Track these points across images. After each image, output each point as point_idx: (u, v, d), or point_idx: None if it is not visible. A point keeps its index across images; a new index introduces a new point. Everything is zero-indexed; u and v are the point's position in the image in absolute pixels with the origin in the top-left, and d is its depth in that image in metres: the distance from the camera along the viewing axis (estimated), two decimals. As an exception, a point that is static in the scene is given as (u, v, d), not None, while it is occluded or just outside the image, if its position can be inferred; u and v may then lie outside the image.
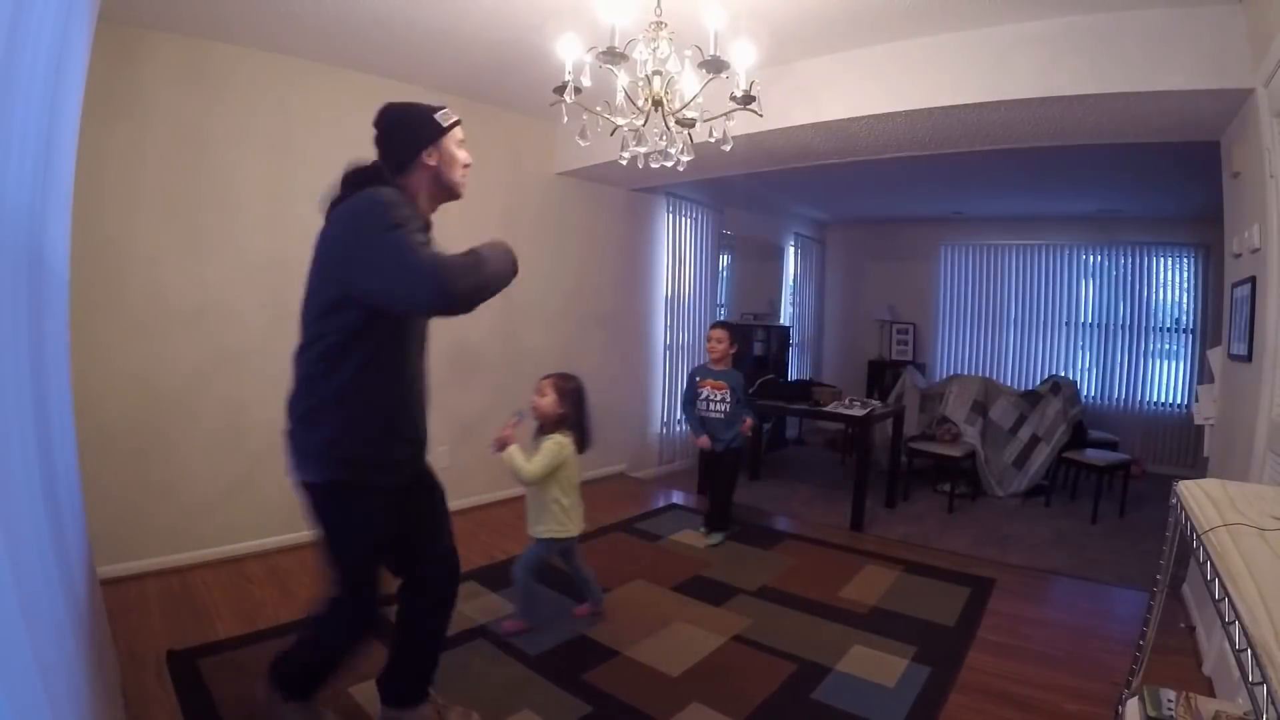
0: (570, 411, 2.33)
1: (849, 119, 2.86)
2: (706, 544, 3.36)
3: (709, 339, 3.54)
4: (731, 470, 3.51)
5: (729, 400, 3.40)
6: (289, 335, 3.06)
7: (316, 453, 1.52)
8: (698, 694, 2.00)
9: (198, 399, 2.84)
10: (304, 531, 3.12)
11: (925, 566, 3.10)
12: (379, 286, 1.36)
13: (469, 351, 3.83)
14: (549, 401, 2.32)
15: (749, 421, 3.44)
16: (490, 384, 3.93)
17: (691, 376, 3.59)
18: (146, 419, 2.71)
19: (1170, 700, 1.48)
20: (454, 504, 4.02)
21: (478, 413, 3.89)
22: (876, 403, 4.31)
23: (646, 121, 1.98)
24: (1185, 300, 5.67)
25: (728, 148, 2.03)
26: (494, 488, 4.00)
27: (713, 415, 3.43)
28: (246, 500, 2.98)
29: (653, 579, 2.89)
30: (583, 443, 2.36)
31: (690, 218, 5.52)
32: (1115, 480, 4.35)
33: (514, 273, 1.49)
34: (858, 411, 3.91)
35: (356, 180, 1.57)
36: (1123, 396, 5.86)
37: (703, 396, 3.46)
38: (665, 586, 2.82)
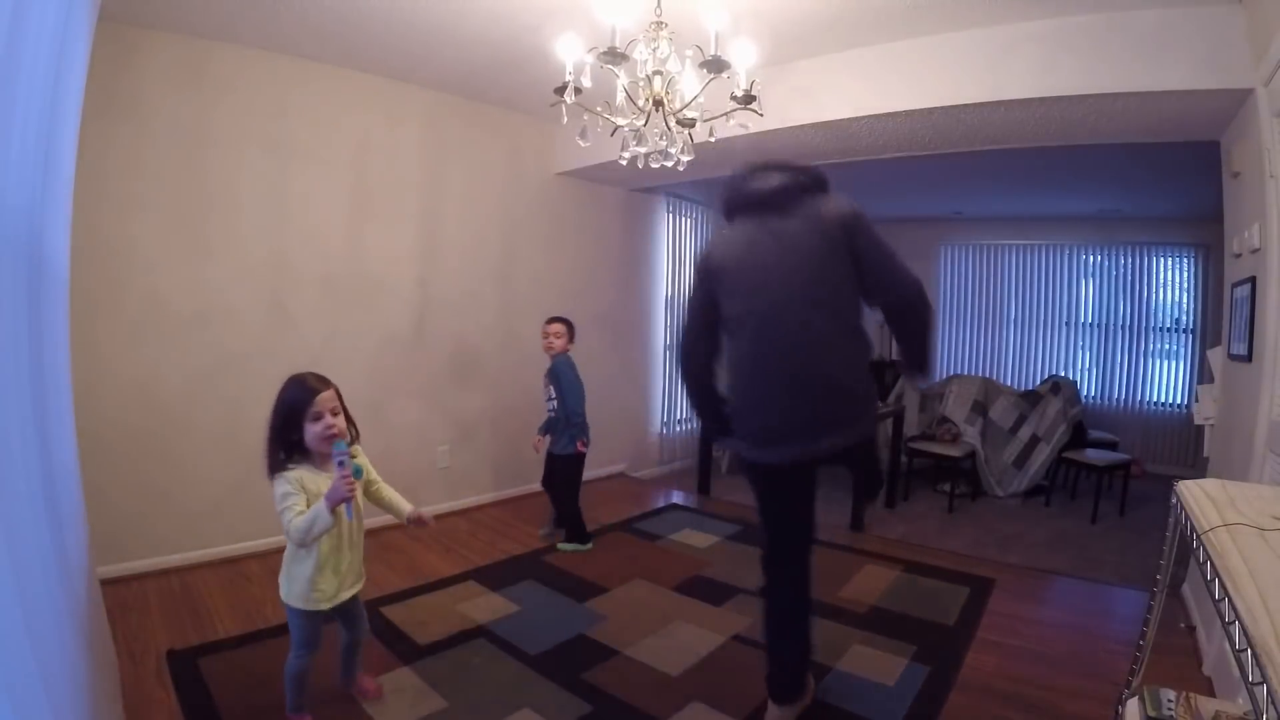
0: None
1: (849, 119, 2.86)
2: (550, 542, 3.26)
3: (543, 334, 3.22)
4: (559, 478, 3.23)
5: (554, 398, 3.14)
6: (288, 336, 3.10)
7: (869, 414, 1.76)
8: (698, 693, 2.00)
9: (197, 399, 2.84)
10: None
11: (925, 566, 3.09)
12: (888, 267, 1.68)
13: (468, 352, 3.83)
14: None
15: (579, 445, 3.13)
16: (489, 384, 3.94)
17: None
18: (146, 419, 2.71)
19: (1170, 700, 1.48)
20: (454, 504, 4.03)
21: (477, 412, 3.89)
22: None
23: (647, 121, 1.98)
24: (1185, 300, 5.66)
25: (714, 138, 2.05)
26: (494, 488, 4.00)
27: (548, 413, 3.23)
28: (246, 500, 2.98)
29: (653, 578, 2.88)
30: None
31: (690, 218, 5.52)
32: (1115, 480, 4.35)
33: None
34: (858, 411, 3.91)
35: (805, 177, 1.76)
36: (1123, 396, 5.86)
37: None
38: (666, 586, 2.81)
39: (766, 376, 1.67)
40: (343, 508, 1.57)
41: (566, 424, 3.13)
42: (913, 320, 1.73)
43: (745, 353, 1.70)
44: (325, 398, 1.62)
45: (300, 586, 1.66)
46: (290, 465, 1.60)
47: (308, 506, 1.55)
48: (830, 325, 1.64)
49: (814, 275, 1.64)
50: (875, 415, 1.82)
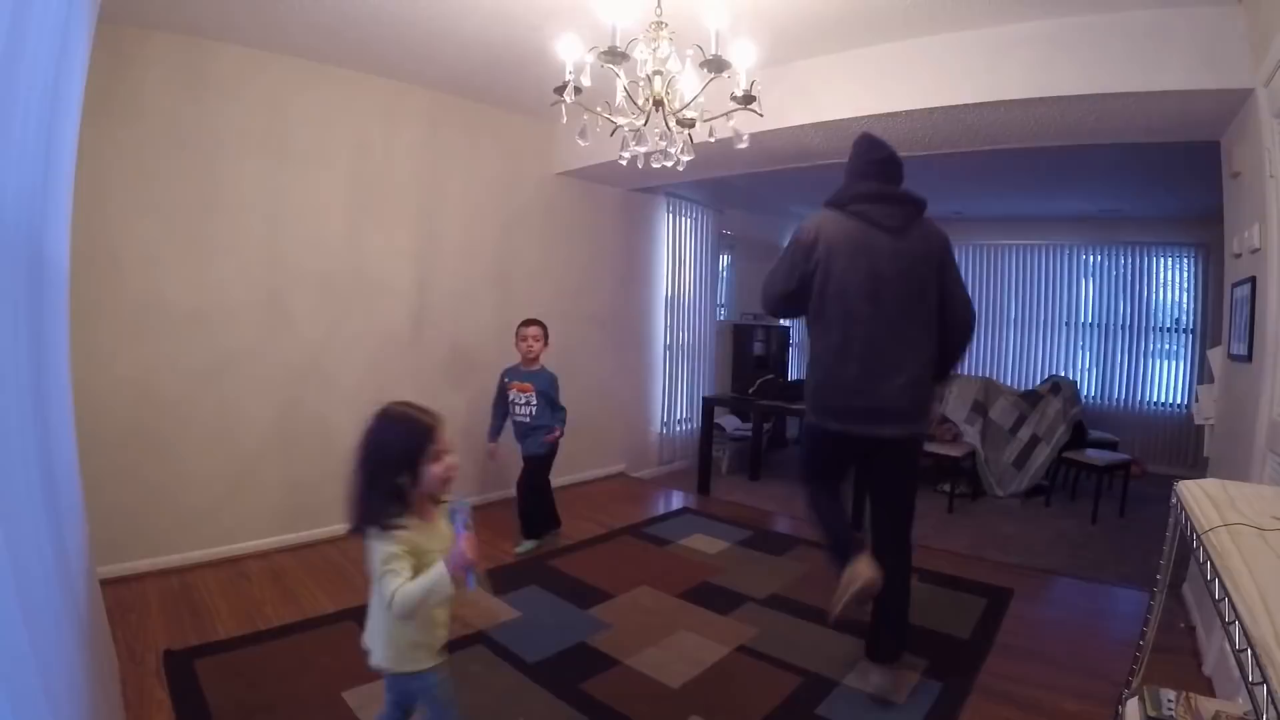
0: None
1: (848, 119, 2.86)
2: (517, 552, 3.21)
3: (523, 338, 3.22)
4: (531, 475, 3.28)
5: (534, 404, 3.20)
6: (287, 336, 3.10)
7: (927, 416, 2.09)
8: (697, 707, 1.96)
9: (196, 399, 2.84)
10: (303, 531, 3.15)
11: (942, 576, 3.01)
12: (960, 294, 2.07)
13: (465, 352, 3.83)
14: None
15: (556, 432, 3.22)
16: (488, 385, 3.91)
17: (501, 377, 3.32)
18: (145, 419, 2.71)
19: (1170, 700, 1.48)
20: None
21: (475, 413, 3.88)
22: (876, 403, 4.30)
23: (647, 121, 1.97)
24: (1185, 300, 5.66)
25: (743, 144, 2.02)
26: (490, 488, 4.00)
27: (519, 419, 3.25)
28: (246, 500, 2.99)
29: (660, 585, 2.84)
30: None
31: (690, 218, 5.52)
32: (1115, 480, 4.34)
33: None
34: (858, 411, 3.91)
35: (917, 203, 2.07)
36: (1123, 396, 5.86)
37: (510, 399, 3.26)
38: (672, 593, 2.77)
39: (861, 367, 1.96)
40: (463, 575, 1.26)
41: (538, 429, 3.22)
42: (961, 336, 2.09)
43: (844, 342, 1.98)
44: (444, 431, 1.33)
45: (408, 647, 1.35)
46: (399, 519, 1.27)
47: (413, 570, 1.26)
48: (919, 337, 1.99)
49: (916, 295, 1.98)
50: (930, 418, 2.20)
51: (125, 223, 2.62)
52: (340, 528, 3.24)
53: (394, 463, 1.28)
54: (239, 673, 2.01)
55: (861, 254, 1.96)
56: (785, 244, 2.15)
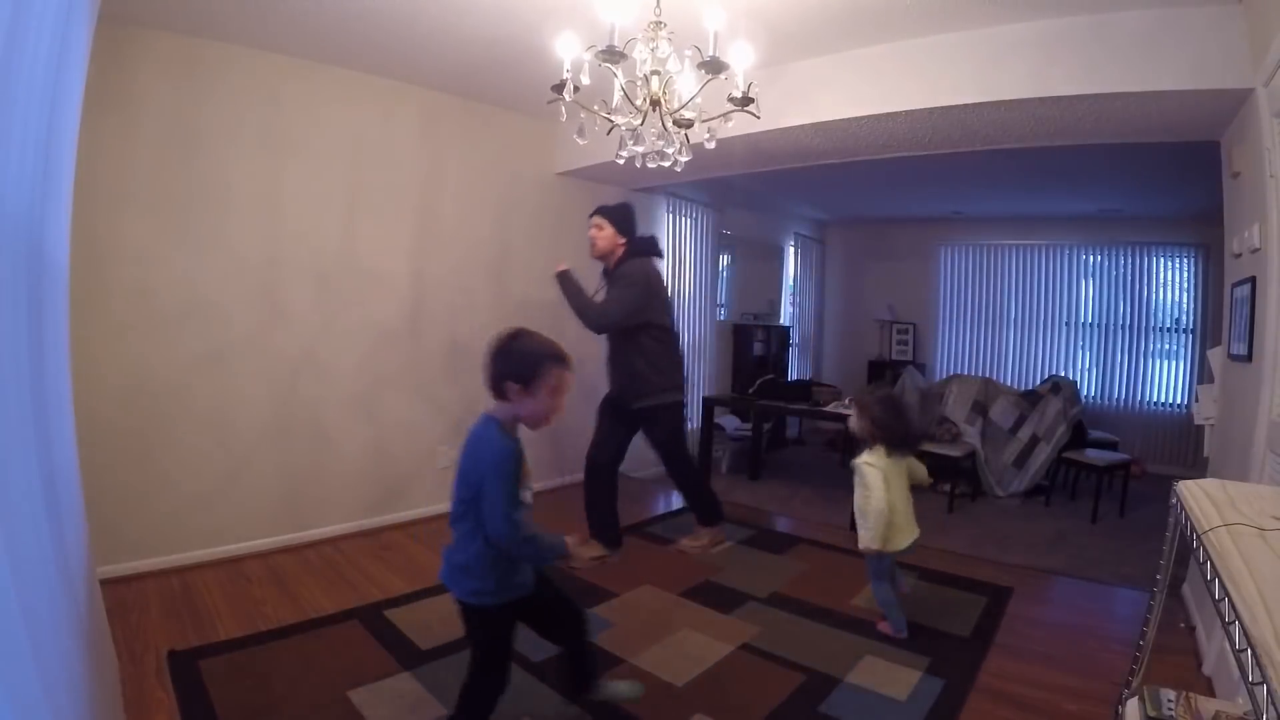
0: (875, 424, 2.40)
1: (846, 119, 2.86)
2: None
3: (555, 382, 1.66)
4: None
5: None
6: (280, 333, 3.11)
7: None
8: (701, 705, 1.96)
9: (192, 392, 2.84)
10: (302, 531, 3.15)
11: (942, 574, 3.01)
12: None
13: (463, 350, 3.82)
14: (855, 422, 2.49)
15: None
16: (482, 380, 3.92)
17: (516, 454, 1.65)
18: (142, 413, 2.71)
19: (1170, 700, 1.48)
20: (449, 503, 4.01)
21: (473, 411, 3.88)
22: (876, 403, 4.30)
23: (644, 121, 1.97)
24: (1185, 300, 5.66)
25: (711, 144, 2.03)
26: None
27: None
28: (243, 494, 2.98)
29: (662, 584, 2.84)
30: (894, 446, 2.39)
31: (690, 218, 5.52)
32: (1115, 480, 4.34)
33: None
34: (858, 411, 3.91)
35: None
36: (1123, 396, 5.86)
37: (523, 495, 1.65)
38: (674, 592, 2.76)
39: (679, 355, 3.19)
40: None
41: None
42: None
43: (673, 341, 3.15)
44: None
45: None
46: None
47: None
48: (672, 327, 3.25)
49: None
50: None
51: (123, 219, 2.62)
52: (339, 527, 3.28)
53: None
54: (243, 673, 2.01)
55: (664, 284, 3.14)
56: (638, 282, 2.94)
